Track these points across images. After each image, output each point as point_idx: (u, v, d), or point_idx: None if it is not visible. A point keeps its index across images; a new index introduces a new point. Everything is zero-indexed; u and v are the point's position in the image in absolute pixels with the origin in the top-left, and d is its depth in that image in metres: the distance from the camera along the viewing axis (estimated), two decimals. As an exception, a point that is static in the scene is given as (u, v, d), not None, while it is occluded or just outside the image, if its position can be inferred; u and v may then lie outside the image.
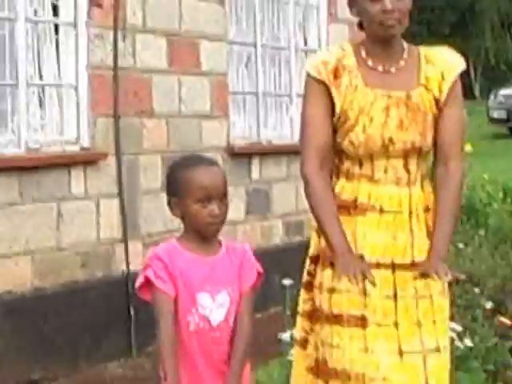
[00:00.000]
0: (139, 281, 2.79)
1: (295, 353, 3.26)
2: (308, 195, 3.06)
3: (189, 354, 2.80)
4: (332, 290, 3.04)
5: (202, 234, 2.84)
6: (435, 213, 3.15)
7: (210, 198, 2.79)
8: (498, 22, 27.80)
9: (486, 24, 27.84)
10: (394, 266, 3.01)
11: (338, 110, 3.04)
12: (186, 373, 2.79)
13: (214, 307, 2.82)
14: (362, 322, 3.01)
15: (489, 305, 4.78)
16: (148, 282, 2.78)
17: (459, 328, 4.20)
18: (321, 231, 3.03)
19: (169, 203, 2.88)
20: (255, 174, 7.01)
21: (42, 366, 5.24)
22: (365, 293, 3.01)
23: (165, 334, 2.75)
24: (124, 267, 5.80)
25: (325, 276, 3.07)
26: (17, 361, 5.12)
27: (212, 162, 2.96)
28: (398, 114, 3.05)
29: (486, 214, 5.88)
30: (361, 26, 3.12)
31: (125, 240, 5.83)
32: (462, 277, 3.17)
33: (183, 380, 2.77)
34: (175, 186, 2.86)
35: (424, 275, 2.97)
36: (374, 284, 2.87)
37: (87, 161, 5.65)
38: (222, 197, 2.82)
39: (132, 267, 5.73)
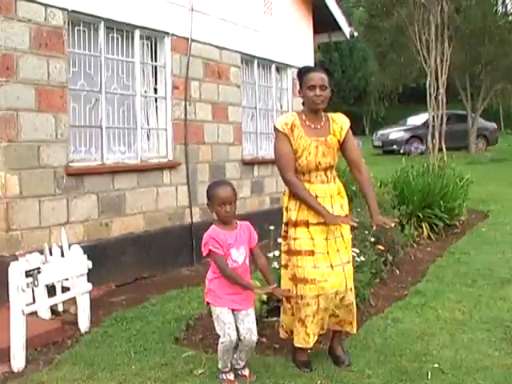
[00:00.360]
0: (205, 252, 2.80)
1: (282, 271, 3.22)
2: (295, 189, 3.01)
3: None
4: (295, 239, 3.04)
5: (223, 222, 2.82)
6: (345, 196, 3.16)
7: (225, 203, 2.78)
8: (377, 97, 27.71)
9: (371, 98, 27.81)
10: (325, 223, 2.98)
11: (293, 148, 3.01)
12: (231, 288, 2.81)
13: (239, 255, 2.82)
14: (312, 253, 3.00)
15: (372, 239, 4.78)
16: (209, 250, 2.79)
17: (357, 251, 4.21)
18: (307, 206, 2.98)
19: (207, 205, 2.87)
20: (256, 173, 6.91)
21: (148, 269, 5.22)
22: (312, 238, 3.01)
23: (228, 271, 2.77)
24: (189, 220, 5.74)
25: (291, 232, 3.07)
26: (135, 267, 5.11)
27: (227, 184, 2.90)
28: (322, 149, 3.03)
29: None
30: (303, 103, 3.10)
31: (190, 206, 5.77)
32: (396, 221, 3.13)
33: (231, 289, 2.79)
34: (209, 197, 2.84)
35: (378, 225, 3.02)
36: (356, 222, 2.96)
37: (171, 166, 5.60)
38: (232, 202, 2.80)
39: (194, 220, 5.70)
